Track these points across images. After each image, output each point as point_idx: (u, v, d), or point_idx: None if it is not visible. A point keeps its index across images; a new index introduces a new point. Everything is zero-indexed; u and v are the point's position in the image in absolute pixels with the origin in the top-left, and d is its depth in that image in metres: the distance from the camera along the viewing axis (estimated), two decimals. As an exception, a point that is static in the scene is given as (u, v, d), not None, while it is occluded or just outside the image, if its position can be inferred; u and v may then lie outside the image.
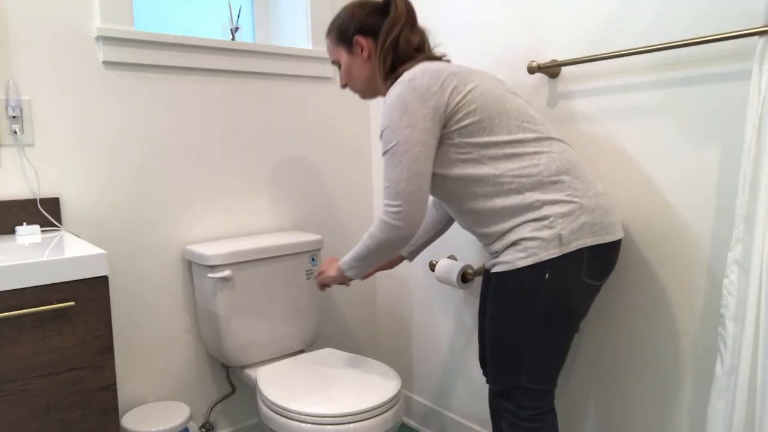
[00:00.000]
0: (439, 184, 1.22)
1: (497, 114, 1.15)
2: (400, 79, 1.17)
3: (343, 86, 1.37)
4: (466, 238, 1.76)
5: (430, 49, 1.30)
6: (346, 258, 1.32)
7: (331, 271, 1.38)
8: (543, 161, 1.14)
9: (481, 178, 1.15)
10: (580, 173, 1.16)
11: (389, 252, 1.23)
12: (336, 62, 1.36)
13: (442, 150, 1.18)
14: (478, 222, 1.21)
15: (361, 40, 1.28)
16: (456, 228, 1.69)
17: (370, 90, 1.34)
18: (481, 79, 1.18)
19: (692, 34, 1.19)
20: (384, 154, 1.17)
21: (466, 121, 1.14)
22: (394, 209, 1.16)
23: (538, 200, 1.12)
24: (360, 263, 1.29)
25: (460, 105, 1.14)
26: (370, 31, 1.27)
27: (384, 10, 1.28)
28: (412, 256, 1.58)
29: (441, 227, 1.55)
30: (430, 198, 1.56)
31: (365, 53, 1.29)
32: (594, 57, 1.30)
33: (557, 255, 1.10)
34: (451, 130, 1.15)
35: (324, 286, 1.46)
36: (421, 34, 1.29)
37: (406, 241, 1.20)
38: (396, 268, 2.04)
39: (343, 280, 1.37)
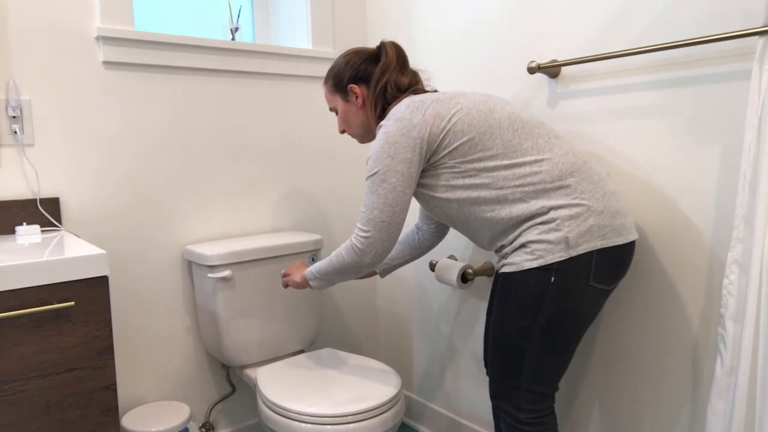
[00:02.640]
0: (444, 208, 1.23)
1: (487, 128, 1.16)
2: (387, 116, 1.22)
3: (342, 132, 1.42)
4: (466, 238, 1.75)
5: (422, 86, 1.33)
6: (313, 268, 1.36)
7: (296, 277, 1.43)
8: (544, 168, 1.14)
9: (483, 194, 1.16)
10: (586, 174, 1.15)
11: (351, 274, 1.28)
12: (333, 109, 1.40)
13: (439, 176, 1.20)
14: (487, 237, 1.22)
15: (354, 88, 1.32)
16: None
17: (366, 134, 1.39)
18: (466, 99, 1.20)
19: (692, 34, 1.19)
20: (366, 179, 1.21)
21: (456, 144, 1.16)
22: (363, 234, 1.21)
23: (544, 206, 1.12)
24: (324, 277, 1.34)
25: (445, 131, 1.17)
26: (363, 78, 1.32)
27: (377, 58, 1.32)
28: (384, 273, 1.61)
29: (417, 253, 1.58)
30: (413, 223, 1.70)
31: (359, 100, 1.33)
32: (594, 57, 1.30)
33: (564, 258, 1.10)
34: (442, 155, 1.18)
35: (287, 286, 1.50)
36: (412, 75, 1.33)
37: (367, 268, 1.25)
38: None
39: (305, 287, 1.42)
